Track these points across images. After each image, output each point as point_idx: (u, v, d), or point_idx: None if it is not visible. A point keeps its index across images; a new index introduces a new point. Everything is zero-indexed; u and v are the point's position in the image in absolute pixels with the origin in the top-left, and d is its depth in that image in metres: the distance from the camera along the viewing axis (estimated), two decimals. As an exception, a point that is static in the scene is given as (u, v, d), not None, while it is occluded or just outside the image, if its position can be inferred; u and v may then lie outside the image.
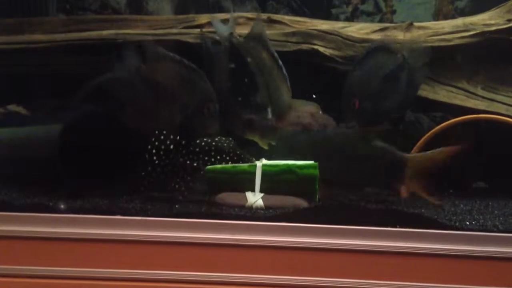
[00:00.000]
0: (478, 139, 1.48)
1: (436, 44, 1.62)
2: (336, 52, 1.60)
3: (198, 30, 1.63)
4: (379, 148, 1.32)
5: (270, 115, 1.42)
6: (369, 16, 2.33)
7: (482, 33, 1.63)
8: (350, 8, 2.34)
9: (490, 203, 1.35)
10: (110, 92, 1.35)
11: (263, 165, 1.26)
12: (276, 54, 1.47)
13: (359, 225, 1.07)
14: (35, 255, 1.07)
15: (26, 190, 1.28)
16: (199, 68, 1.39)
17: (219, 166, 1.31)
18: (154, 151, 1.28)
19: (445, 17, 2.19)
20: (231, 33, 1.47)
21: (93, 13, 2.04)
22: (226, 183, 1.26)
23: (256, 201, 1.21)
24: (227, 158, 1.35)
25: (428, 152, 1.33)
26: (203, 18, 1.74)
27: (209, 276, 1.05)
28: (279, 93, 1.46)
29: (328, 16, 2.27)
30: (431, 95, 1.63)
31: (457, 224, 1.12)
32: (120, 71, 1.37)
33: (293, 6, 2.28)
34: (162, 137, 1.28)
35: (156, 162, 1.28)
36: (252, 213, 1.17)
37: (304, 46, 1.60)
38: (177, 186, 1.30)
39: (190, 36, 1.61)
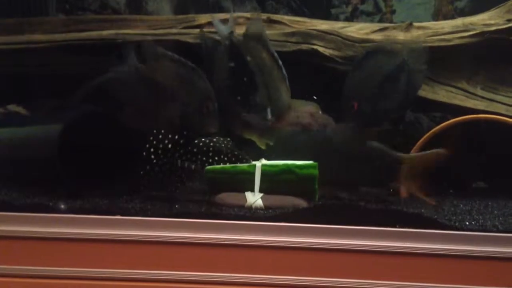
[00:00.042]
0: (478, 139, 1.48)
1: (436, 44, 1.62)
2: (335, 52, 1.60)
3: (198, 30, 1.63)
4: (375, 149, 1.34)
5: (269, 115, 1.42)
6: (368, 16, 2.33)
7: (482, 33, 1.63)
8: (349, 8, 2.34)
9: (489, 203, 1.35)
10: (110, 92, 1.35)
11: (263, 165, 1.26)
12: (276, 54, 1.47)
13: (359, 225, 1.07)
14: (35, 255, 1.07)
15: (26, 190, 1.28)
16: (198, 67, 1.39)
17: (218, 166, 1.31)
18: (152, 149, 1.28)
19: (445, 17, 2.19)
20: (231, 32, 1.47)
21: (92, 13, 2.04)
22: (226, 183, 1.26)
23: (256, 201, 1.22)
24: (225, 158, 1.35)
25: (422, 152, 1.35)
26: (203, 18, 1.74)
27: (209, 276, 1.05)
28: (279, 93, 1.46)
29: (327, 16, 2.28)
30: (430, 95, 1.63)
31: (456, 224, 1.12)
32: (119, 71, 1.37)
33: (293, 6, 2.28)
34: (160, 136, 1.28)
35: (155, 161, 1.28)
36: (251, 213, 1.17)
37: (304, 46, 1.60)
38: (175, 187, 1.31)
39: (190, 36, 1.61)
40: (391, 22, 2.24)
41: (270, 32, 1.60)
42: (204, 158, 1.35)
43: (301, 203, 1.22)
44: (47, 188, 1.28)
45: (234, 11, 1.59)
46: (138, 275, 1.06)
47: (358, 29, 1.72)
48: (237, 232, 1.06)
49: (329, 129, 1.40)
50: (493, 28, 1.63)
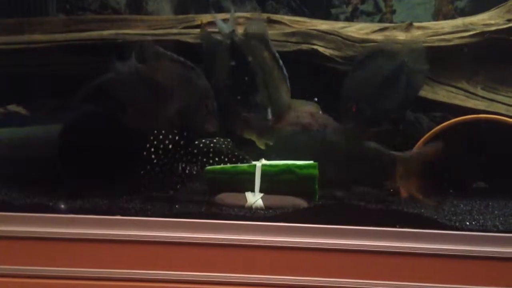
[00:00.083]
0: (478, 139, 1.48)
1: (436, 44, 1.62)
2: (336, 52, 1.60)
3: (198, 30, 1.63)
4: (371, 149, 1.35)
5: (270, 115, 1.42)
6: (369, 16, 2.33)
7: (482, 33, 1.63)
8: (349, 8, 2.34)
9: (490, 203, 1.35)
10: (110, 92, 1.35)
11: (263, 165, 1.26)
12: (277, 54, 1.47)
13: (358, 225, 1.07)
14: (35, 255, 1.07)
15: (26, 190, 1.28)
16: (197, 66, 1.39)
17: (218, 166, 1.31)
18: (153, 150, 1.28)
19: (445, 17, 2.19)
20: (233, 31, 1.46)
21: (93, 13, 2.04)
22: (226, 184, 1.27)
23: (256, 201, 1.22)
24: (226, 159, 1.35)
25: (417, 149, 1.35)
26: (203, 18, 1.74)
27: (208, 276, 1.05)
28: (279, 93, 1.46)
29: (327, 16, 2.28)
30: (430, 95, 1.63)
31: (457, 224, 1.12)
32: (119, 71, 1.37)
33: (293, 6, 2.28)
34: (161, 136, 1.28)
35: (155, 161, 1.28)
36: (251, 213, 1.17)
37: (304, 46, 1.60)
38: (175, 188, 1.31)
39: (190, 36, 1.61)
40: (391, 22, 2.24)
41: (270, 32, 1.59)
42: (204, 159, 1.35)
43: (301, 203, 1.22)
44: (47, 188, 1.28)
45: (234, 11, 1.58)
46: (138, 275, 1.06)
47: (358, 29, 1.72)
48: (237, 232, 1.07)
49: (328, 129, 1.41)
50: (493, 28, 1.63)
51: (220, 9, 2.04)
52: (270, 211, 1.19)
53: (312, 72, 1.60)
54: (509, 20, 1.65)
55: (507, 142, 1.44)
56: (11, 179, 1.37)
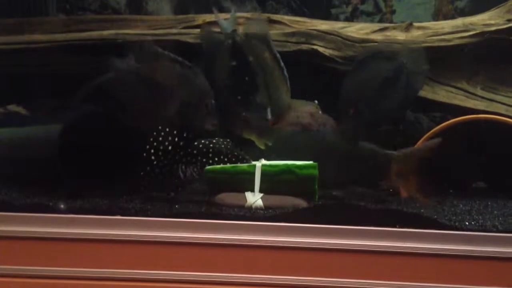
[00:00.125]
0: (478, 139, 1.48)
1: (436, 44, 1.62)
2: (335, 52, 1.60)
3: (198, 30, 1.63)
4: (366, 149, 1.36)
5: (269, 115, 1.42)
6: (368, 16, 2.33)
7: (482, 33, 1.63)
8: (349, 8, 2.34)
9: (489, 203, 1.35)
10: (110, 92, 1.35)
11: (263, 165, 1.26)
12: (278, 55, 1.46)
13: (358, 225, 1.07)
14: (35, 255, 1.07)
15: (26, 190, 1.28)
16: (196, 66, 1.39)
17: (218, 166, 1.31)
18: (152, 151, 1.28)
19: (445, 17, 2.19)
20: (235, 30, 1.46)
21: (93, 13, 2.04)
22: (226, 183, 1.27)
23: (256, 201, 1.22)
24: (225, 159, 1.35)
25: (411, 148, 1.36)
26: (204, 18, 1.74)
27: (208, 276, 1.05)
28: (279, 94, 1.46)
29: (327, 16, 2.28)
30: (430, 95, 1.63)
31: (456, 224, 1.12)
32: (117, 68, 1.37)
33: (293, 6, 2.28)
34: (160, 138, 1.28)
35: (155, 162, 1.28)
36: (251, 213, 1.17)
37: (304, 46, 1.60)
38: (175, 189, 1.31)
39: (190, 36, 1.61)
40: (391, 22, 2.24)
41: (270, 32, 1.59)
42: (204, 159, 1.34)
43: (301, 203, 1.22)
44: (47, 188, 1.28)
45: (235, 11, 1.58)
46: (138, 275, 1.06)
47: (358, 29, 1.72)
48: (237, 232, 1.07)
49: (326, 129, 1.41)
50: (493, 28, 1.63)
51: (220, 9, 2.04)
52: (270, 211, 1.19)
53: (312, 72, 1.60)
54: (509, 20, 1.65)
55: (507, 142, 1.44)
56: (11, 179, 1.37)
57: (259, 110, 1.43)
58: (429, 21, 1.96)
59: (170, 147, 1.29)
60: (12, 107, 1.59)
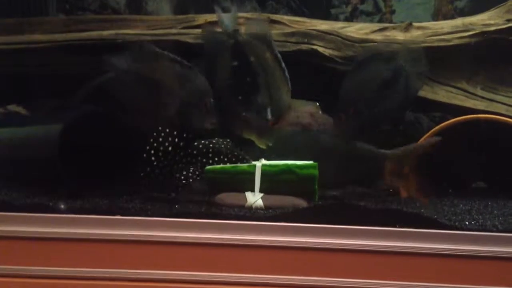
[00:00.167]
0: (478, 139, 1.48)
1: (436, 44, 1.63)
2: (335, 52, 1.60)
3: (198, 30, 1.63)
4: (361, 149, 1.38)
5: (269, 115, 1.42)
6: (368, 16, 2.34)
7: (482, 33, 1.63)
8: (349, 8, 2.34)
9: (489, 203, 1.35)
10: (110, 92, 1.35)
11: (263, 165, 1.26)
12: (279, 56, 1.46)
13: (359, 225, 1.07)
14: (35, 255, 1.07)
15: (26, 190, 1.28)
16: (195, 66, 1.39)
17: (218, 166, 1.31)
18: (152, 151, 1.28)
19: (445, 17, 2.19)
20: (237, 30, 1.46)
21: (92, 13, 2.04)
22: (226, 183, 1.27)
23: (256, 201, 1.22)
24: (225, 159, 1.35)
25: (405, 146, 1.37)
26: (203, 18, 1.74)
27: (208, 276, 1.05)
28: (280, 94, 1.46)
29: (327, 16, 2.28)
30: (430, 95, 1.63)
31: (456, 224, 1.12)
32: (116, 67, 1.36)
33: (293, 6, 2.28)
34: (160, 139, 1.28)
35: (155, 163, 1.28)
36: (251, 213, 1.17)
37: (304, 46, 1.60)
38: (176, 191, 1.31)
39: (190, 36, 1.61)
40: (390, 22, 2.24)
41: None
42: (204, 160, 1.35)
43: (301, 203, 1.22)
44: (47, 188, 1.28)
45: (236, 11, 1.58)
46: (137, 275, 1.06)
47: (357, 29, 1.72)
48: (237, 232, 1.07)
49: (327, 129, 1.41)
50: (492, 28, 1.63)
51: (221, 9, 2.04)
52: (270, 211, 1.19)
53: (311, 72, 1.60)
54: (508, 20, 1.65)
55: (507, 142, 1.44)
56: (11, 179, 1.37)
57: (259, 110, 1.43)
58: (429, 21, 1.96)
59: (170, 148, 1.29)
60: (12, 107, 1.59)
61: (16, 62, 1.64)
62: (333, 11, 2.34)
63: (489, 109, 1.62)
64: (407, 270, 1.05)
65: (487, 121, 1.43)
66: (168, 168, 1.30)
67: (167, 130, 1.29)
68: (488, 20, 1.68)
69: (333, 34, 1.62)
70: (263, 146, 1.42)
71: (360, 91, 1.42)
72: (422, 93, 1.58)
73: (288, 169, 1.24)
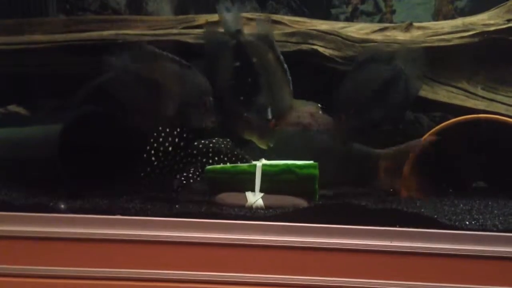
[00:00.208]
0: (478, 139, 1.48)
1: (436, 44, 1.62)
2: (335, 53, 1.60)
3: (198, 30, 1.63)
4: (355, 149, 1.40)
5: (270, 115, 1.42)
6: (368, 16, 2.34)
7: (482, 33, 1.63)
8: (349, 8, 2.34)
9: (489, 203, 1.35)
10: (110, 92, 1.35)
11: (263, 165, 1.26)
12: (281, 57, 1.46)
13: (359, 225, 1.07)
14: (35, 255, 1.07)
15: (26, 190, 1.28)
16: (195, 65, 1.39)
17: (219, 166, 1.31)
18: (153, 152, 1.28)
19: (445, 17, 2.19)
20: (239, 30, 1.46)
21: (93, 13, 2.04)
22: (226, 183, 1.26)
23: (256, 201, 1.22)
24: (225, 159, 1.35)
25: (398, 146, 1.38)
26: (203, 18, 1.74)
27: (209, 276, 1.05)
28: (282, 95, 1.45)
29: (327, 16, 2.28)
30: (430, 95, 1.63)
31: (456, 223, 1.12)
32: (117, 71, 1.36)
33: (293, 6, 2.28)
34: (160, 139, 1.28)
35: (155, 163, 1.28)
36: (252, 213, 1.17)
37: (304, 46, 1.60)
38: (176, 191, 1.31)
39: (190, 37, 1.61)
40: (391, 22, 2.24)
41: (270, 32, 1.59)
42: (204, 160, 1.35)
43: (302, 202, 1.22)
44: (47, 188, 1.28)
45: (238, 11, 1.57)
46: (137, 275, 1.06)
47: (358, 29, 1.72)
48: (237, 232, 1.07)
49: (327, 129, 1.42)
50: (492, 28, 1.63)
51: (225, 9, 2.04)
52: (271, 210, 1.19)
53: (312, 72, 1.60)
54: (508, 20, 1.65)
55: (507, 142, 1.44)
56: (11, 179, 1.37)
57: (260, 111, 1.43)
58: (429, 21, 1.96)
59: (170, 148, 1.29)
60: (12, 107, 1.59)
61: (16, 63, 1.64)
62: (333, 11, 2.34)
63: (489, 109, 1.61)
64: (407, 270, 1.05)
65: (487, 121, 1.43)
66: (168, 168, 1.30)
67: (167, 130, 1.29)
68: (488, 20, 1.68)
69: (334, 34, 1.62)
70: (264, 147, 1.42)
71: (360, 91, 1.42)
72: (422, 93, 1.58)
73: (288, 169, 1.24)
